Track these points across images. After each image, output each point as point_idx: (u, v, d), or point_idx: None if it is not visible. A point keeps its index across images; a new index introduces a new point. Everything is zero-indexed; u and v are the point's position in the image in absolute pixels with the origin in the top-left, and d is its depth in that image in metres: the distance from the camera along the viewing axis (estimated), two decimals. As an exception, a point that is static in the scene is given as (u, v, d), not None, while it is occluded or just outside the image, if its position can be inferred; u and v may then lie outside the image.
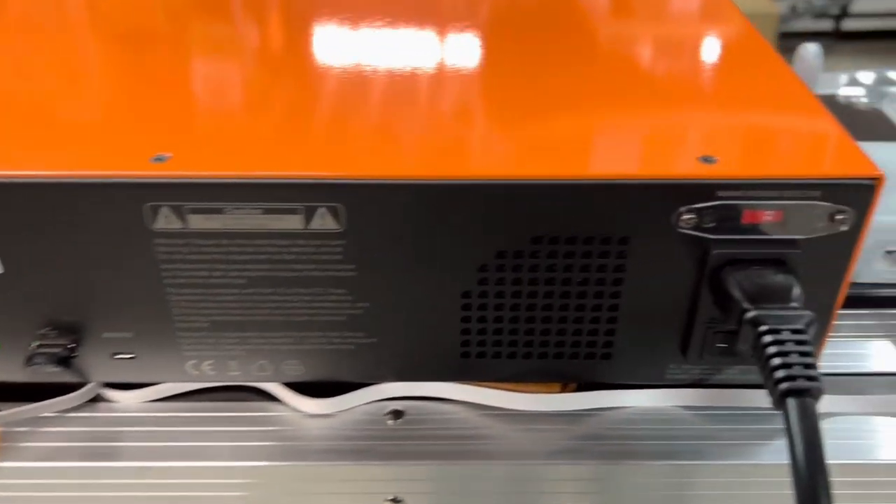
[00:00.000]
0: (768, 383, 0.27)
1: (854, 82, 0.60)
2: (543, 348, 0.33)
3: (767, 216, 0.30)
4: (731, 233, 0.30)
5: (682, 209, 0.29)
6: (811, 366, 0.27)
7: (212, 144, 0.30)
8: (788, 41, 2.40)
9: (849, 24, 2.41)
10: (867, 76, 0.61)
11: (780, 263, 0.30)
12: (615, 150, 0.30)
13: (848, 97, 0.59)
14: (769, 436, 0.33)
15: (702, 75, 0.36)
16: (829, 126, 0.32)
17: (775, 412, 0.27)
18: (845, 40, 2.43)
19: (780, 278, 0.30)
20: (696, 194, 0.29)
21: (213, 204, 0.29)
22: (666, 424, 0.34)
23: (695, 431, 0.34)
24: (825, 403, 0.34)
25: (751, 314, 0.28)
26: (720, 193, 0.29)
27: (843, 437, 0.34)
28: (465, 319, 0.32)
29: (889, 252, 0.39)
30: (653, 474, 0.32)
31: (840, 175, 0.29)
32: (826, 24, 2.41)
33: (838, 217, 0.30)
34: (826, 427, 0.34)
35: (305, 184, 0.28)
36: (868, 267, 0.39)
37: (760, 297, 0.29)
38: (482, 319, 0.32)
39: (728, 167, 0.29)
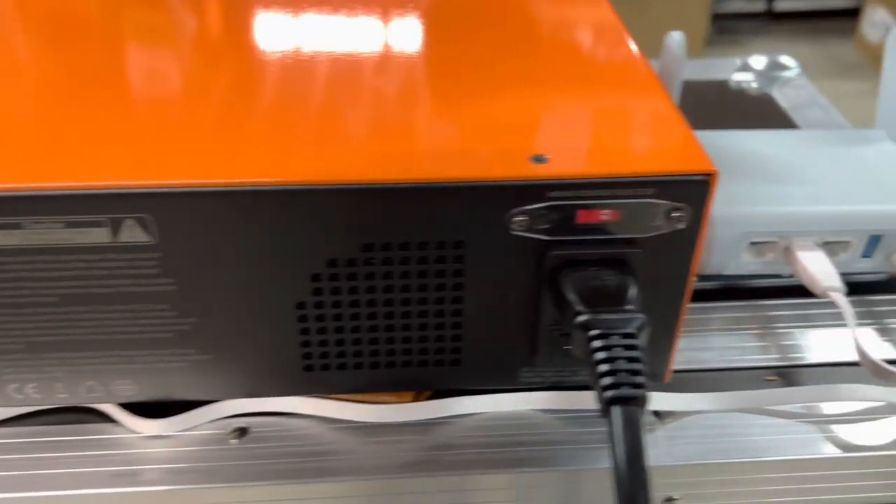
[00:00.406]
0: (596, 389, 0.26)
1: (746, 67, 0.60)
2: (390, 357, 0.32)
3: (603, 216, 0.29)
4: (567, 234, 0.29)
5: (515, 211, 0.28)
6: (638, 372, 0.26)
7: (8, 153, 0.28)
8: (721, 22, 2.43)
9: (782, 5, 2.43)
10: (759, 61, 0.60)
11: (620, 264, 0.29)
12: (445, 152, 0.29)
13: (739, 83, 0.59)
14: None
15: (546, 70, 0.35)
16: (670, 121, 0.31)
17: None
18: (779, 21, 2.46)
19: (614, 280, 0.29)
20: (527, 195, 0.28)
21: (11, 219, 0.27)
22: (519, 430, 0.33)
23: (548, 436, 0.33)
24: (687, 401, 0.34)
25: (581, 318, 0.27)
26: (551, 194, 0.28)
27: (700, 435, 0.33)
28: (304, 331, 0.31)
29: (754, 243, 0.38)
30: (502, 484, 0.31)
31: (673, 172, 0.28)
32: (759, 6, 2.44)
33: (674, 215, 0.29)
34: (684, 426, 0.33)
35: (108, 194, 0.26)
36: (735, 259, 0.39)
37: (594, 299, 0.28)
38: (322, 331, 0.31)
39: (559, 167, 0.28)
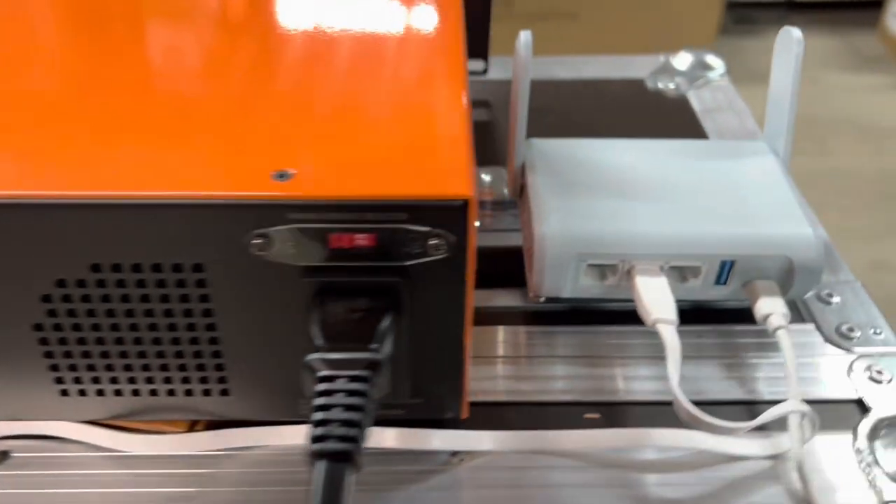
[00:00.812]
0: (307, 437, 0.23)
1: (667, 66, 0.56)
2: (151, 385, 0.29)
3: (357, 241, 0.26)
4: (319, 259, 0.26)
5: (255, 233, 0.25)
6: (354, 424, 0.23)
7: None
8: (739, 11, 2.36)
9: (802, -6, 2.35)
10: (684, 60, 0.57)
11: (379, 294, 0.26)
12: (183, 166, 0.26)
13: (656, 83, 0.55)
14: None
15: (337, 79, 0.31)
16: (449, 141, 0.27)
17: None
18: (799, 10, 2.38)
19: (361, 313, 0.26)
20: (267, 216, 0.25)
21: None
22: (292, 466, 0.30)
23: (326, 475, 0.30)
24: (473, 439, 0.31)
25: (308, 357, 0.25)
26: (291, 216, 0.25)
27: (491, 479, 0.30)
28: (48, 355, 0.28)
29: (592, 265, 0.35)
30: (259, 528, 0.29)
31: (425, 196, 0.25)
32: (778, -5, 2.36)
33: (432, 242, 0.26)
34: (480, 466, 0.30)
35: None
36: (574, 282, 0.35)
37: (334, 334, 0.25)
38: (67, 354, 0.28)
39: (302, 186, 0.25)
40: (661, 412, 0.33)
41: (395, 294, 0.27)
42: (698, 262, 0.35)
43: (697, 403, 0.33)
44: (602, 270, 0.35)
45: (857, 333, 0.36)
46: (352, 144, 0.27)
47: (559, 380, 0.34)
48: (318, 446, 0.23)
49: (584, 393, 0.34)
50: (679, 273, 0.35)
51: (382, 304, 0.26)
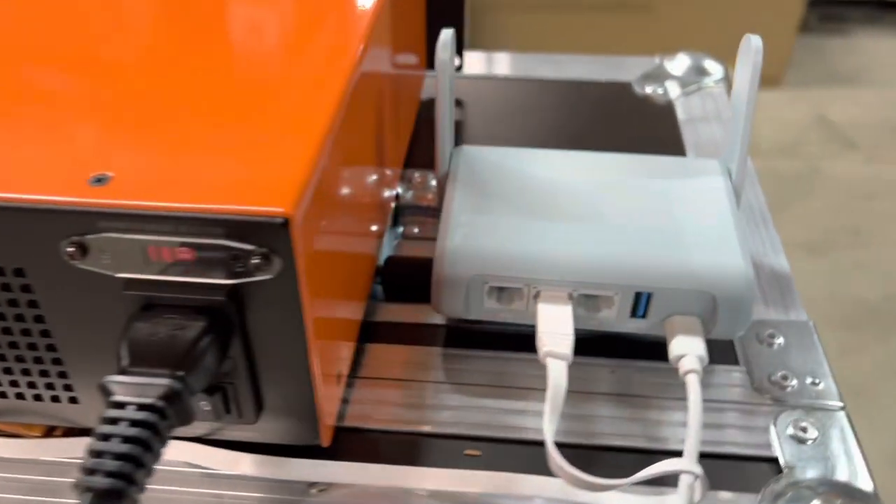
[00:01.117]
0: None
1: (660, 70, 0.52)
2: (-2, 387, 0.28)
3: (180, 255, 0.24)
4: (142, 271, 0.24)
5: (70, 240, 0.24)
6: (131, 459, 0.21)
7: None
8: (825, 8, 2.23)
9: (897, -8, 2.21)
10: (680, 63, 0.52)
11: (203, 314, 0.25)
12: (2, 168, 0.25)
13: (644, 88, 0.51)
14: None
15: (203, 81, 0.29)
16: (291, 152, 0.25)
17: None
18: (891, 10, 2.24)
19: (172, 333, 0.24)
20: (78, 223, 0.24)
21: None
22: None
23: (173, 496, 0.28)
24: (328, 471, 0.29)
25: (105, 379, 0.23)
26: (102, 224, 0.23)
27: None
28: None
29: (495, 288, 0.32)
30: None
31: (243, 211, 0.23)
32: (871, -8, 2.22)
33: (255, 261, 0.24)
34: (335, 499, 0.28)
35: None
36: (478, 304, 0.33)
37: (140, 356, 0.24)
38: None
39: (116, 192, 0.23)
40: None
41: (219, 314, 0.25)
42: (610, 292, 0.32)
43: (589, 447, 0.30)
44: (508, 294, 0.33)
45: (793, 382, 0.32)
46: (184, 150, 0.25)
47: (447, 409, 0.32)
48: (85, 479, 0.21)
49: (471, 426, 0.31)
50: (592, 302, 0.32)
51: (202, 325, 0.24)
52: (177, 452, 0.29)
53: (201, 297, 0.24)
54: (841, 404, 0.31)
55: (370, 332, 0.35)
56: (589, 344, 0.34)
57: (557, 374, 0.29)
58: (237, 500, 0.29)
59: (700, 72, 0.52)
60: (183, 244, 0.24)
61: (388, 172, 0.38)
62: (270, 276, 0.24)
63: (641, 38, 1.89)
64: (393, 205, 0.41)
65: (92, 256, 0.24)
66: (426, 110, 0.50)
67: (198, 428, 0.29)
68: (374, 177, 0.35)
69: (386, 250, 0.39)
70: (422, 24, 0.48)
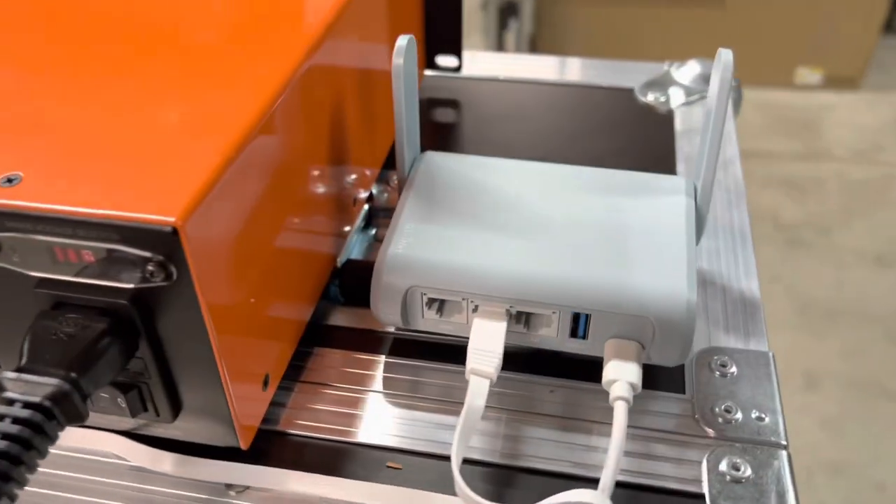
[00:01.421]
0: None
1: (665, 77, 0.51)
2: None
3: (83, 256, 0.24)
4: (51, 271, 0.25)
5: (-20, 238, 0.25)
6: (8, 457, 0.22)
7: None
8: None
9: None
10: (689, 71, 0.51)
11: (107, 315, 0.25)
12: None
13: (647, 95, 0.50)
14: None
15: (104, 71, 0.29)
16: (195, 154, 0.25)
17: None
18: None
19: (66, 336, 0.24)
20: (-12, 222, 0.24)
21: None
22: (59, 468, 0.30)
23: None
24: (242, 473, 0.29)
25: (1, 375, 0.24)
26: (9, 224, 0.24)
27: (253, 520, 0.28)
28: None
29: (433, 300, 0.32)
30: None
31: (135, 218, 0.23)
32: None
33: (150, 268, 0.24)
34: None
35: None
36: (418, 316, 0.32)
37: (36, 355, 0.24)
38: None
39: (21, 193, 0.24)
40: (468, 473, 0.29)
41: (122, 317, 0.25)
42: (547, 311, 0.31)
43: (511, 468, 0.30)
44: (449, 306, 0.32)
45: (737, 415, 0.31)
46: (95, 153, 0.25)
47: (379, 420, 0.31)
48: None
49: (398, 439, 0.31)
50: (531, 320, 0.32)
51: (103, 328, 0.25)
52: (106, 445, 0.30)
53: (106, 299, 0.25)
54: (784, 443, 0.30)
55: (321, 335, 0.35)
56: (533, 360, 0.33)
57: (476, 392, 0.29)
58: (159, 495, 0.29)
59: (708, 80, 0.50)
60: (84, 247, 0.24)
61: (354, 173, 0.38)
62: (168, 284, 0.24)
63: (712, 34, 1.84)
64: (366, 206, 0.41)
65: (4, 254, 0.25)
66: (426, 111, 0.50)
67: (128, 423, 0.30)
68: (327, 177, 0.34)
69: (356, 252, 0.39)
70: (416, 21, 0.47)
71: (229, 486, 0.29)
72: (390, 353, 0.34)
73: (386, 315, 0.32)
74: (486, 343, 0.30)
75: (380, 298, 0.32)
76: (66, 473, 0.30)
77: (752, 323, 0.35)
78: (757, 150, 1.73)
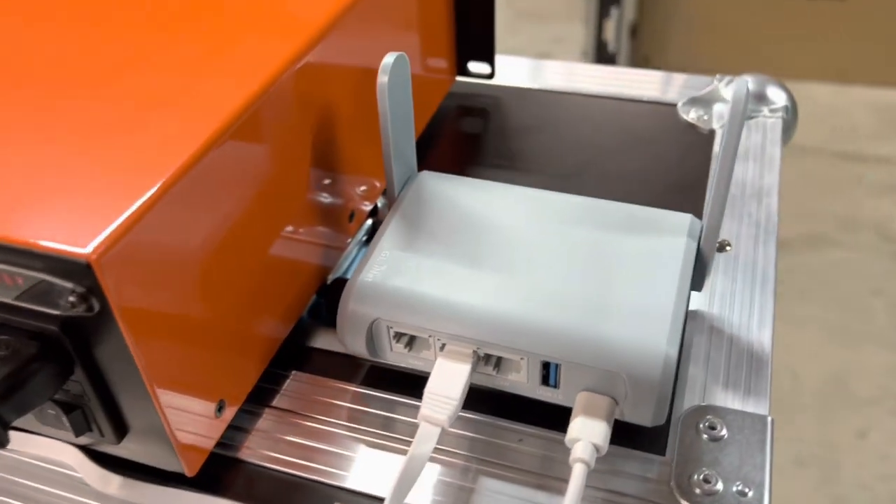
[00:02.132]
0: None
1: (712, 94, 0.47)
2: None
3: (16, 281, 0.24)
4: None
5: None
6: None
7: None
8: None
9: None
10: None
11: (39, 339, 0.25)
12: None
13: (689, 113, 0.46)
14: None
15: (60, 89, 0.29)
16: (125, 181, 0.24)
17: None
18: None
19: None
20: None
21: None
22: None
23: None
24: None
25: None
26: (-59, 245, 0.24)
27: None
28: None
29: (400, 334, 0.30)
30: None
31: (54, 249, 0.23)
32: None
33: (72, 298, 0.23)
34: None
35: None
36: (385, 349, 0.31)
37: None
38: None
39: (-45, 215, 0.24)
40: (413, 523, 0.28)
41: (54, 343, 0.25)
42: (514, 356, 0.29)
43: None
44: (418, 341, 0.31)
45: (717, 486, 0.28)
46: (31, 178, 0.25)
47: (337, 456, 0.30)
48: None
49: (350, 479, 0.29)
50: (500, 363, 0.30)
51: (31, 353, 0.24)
52: (65, 457, 0.30)
53: (38, 324, 0.25)
54: (765, 525, 0.27)
55: (301, 358, 0.34)
56: (505, 402, 0.31)
57: (423, 440, 0.27)
58: (107, 513, 0.29)
59: (760, 99, 0.46)
60: (15, 273, 0.24)
61: (349, 185, 0.36)
62: (92, 314, 0.24)
63: (827, 26, 1.73)
64: (369, 220, 0.40)
65: (-48, 276, 0.25)
66: (454, 119, 0.48)
67: (85, 439, 0.29)
68: (307, 190, 0.33)
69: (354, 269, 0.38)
70: (446, 26, 0.45)
71: (173, 511, 0.29)
72: (367, 384, 0.33)
73: (351, 345, 0.31)
74: (445, 387, 0.28)
75: (345, 328, 0.31)
76: (25, 482, 0.30)
77: (756, 380, 0.31)
78: (867, 154, 1.62)
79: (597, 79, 0.50)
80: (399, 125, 0.33)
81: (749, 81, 0.46)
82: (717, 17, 1.79)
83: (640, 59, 1.88)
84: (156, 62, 0.30)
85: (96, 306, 0.23)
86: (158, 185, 0.24)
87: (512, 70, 0.51)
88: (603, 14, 1.75)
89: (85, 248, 0.22)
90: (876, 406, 1.17)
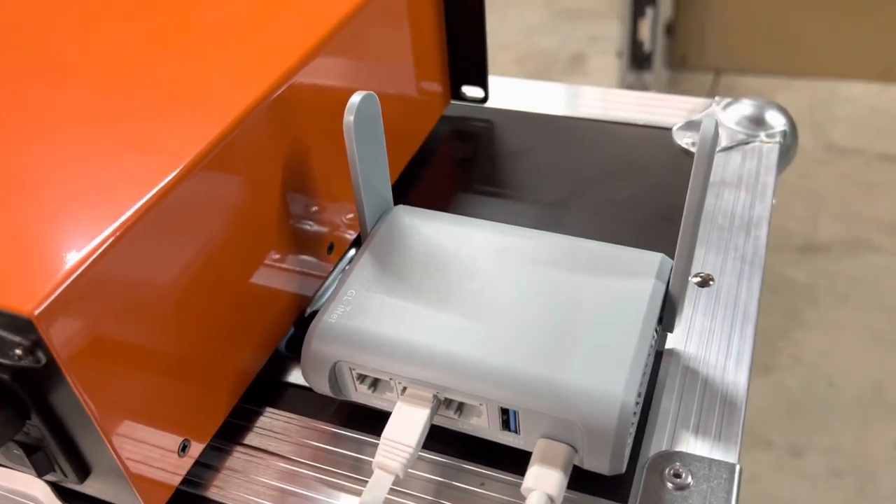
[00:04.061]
0: None
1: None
2: None
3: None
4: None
5: None
6: None
7: None
8: None
9: None
10: (737, 111, 0.46)
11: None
12: None
13: (683, 138, 0.45)
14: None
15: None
16: (73, 230, 0.25)
17: None
18: None
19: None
20: None
21: None
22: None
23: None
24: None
25: None
26: None
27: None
28: None
29: (363, 376, 0.30)
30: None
31: (-2, 302, 0.23)
32: None
33: (18, 351, 0.24)
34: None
35: None
36: (349, 389, 0.31)
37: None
38: None
39: None
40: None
41: (5, 391, 0.25)
42: (473, 402, 0.29)
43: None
44: (381, 383, 0.30)
45: (677, 539, 0.27)
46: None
47: (306, 499, 0.30)
48: None
49: (309, 517, 0.30)
50: (461, 408, 0.29)
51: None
52: (35, 491, 0.31)
53: (-7, 372, 0.25)
54: (722, 581, 0.26)
55: (275, 393, 0.35)
56: (471, 444, 0.31)
57: (375, 486, 0.27)
58: (75, 549, 0.30)
59: (758, 123, 0.45)
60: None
61: (327, 217, 0.36)
62: (39, 366, 0.24)
63: (872, 30, 1.68)
64: (353, 250, 0.40)
65: None
66: (446, 142, 0.48)
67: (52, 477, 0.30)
68: (277, 224, 0.33)
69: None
70: (436, 52, 0.45)
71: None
72: (339, 423, 0.33)
73: (316, 384, 0.31)
74: (402, 434, 0.28)
75: (308, 367, 0.31)
76: (-1, 516, 0.31)
77: (727, 426, 0.31)
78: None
79: (593, 101, 0.49)
80: (368, 162, 0.33)
81: (748, 104, 0.45)
82: (754, 16, 1.75)
83: (676, 59, 1.86)
84: (121, 96, 0.31)
85: (43, 359, 0.24)
86: (111, 229, 0.25)
87: (507, 92, 0.51)
88: (638, 13, 1.73)
89: (27, 305, 0.23)
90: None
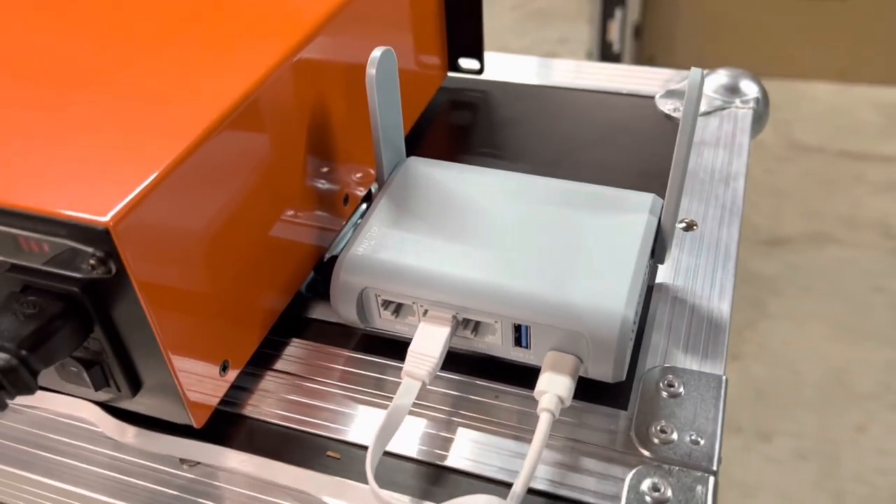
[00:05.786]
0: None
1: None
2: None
3: (43, 247, 0.27)
4: (20, 258, 0.28)
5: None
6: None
7: None
8: None
9: None
10: (713, 81, 0.50)
11: (62, 300, 0.28)
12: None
13: (666, 105, 0.49)
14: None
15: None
16: (141, 155, 0.28)
17: None
18: None
19: (23, 315, 0.27)
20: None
21: None
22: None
23: None
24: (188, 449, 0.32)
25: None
26: (-27, 214, 0.27)
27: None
28: None
29: (388, 302, 0.33)
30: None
31: (73, 217, 0.26)
32: None
33: (92, 261, 0.26)
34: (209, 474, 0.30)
35: None
36: (374, 315, 0.34)
37: (-1, 331, 0.27)
38: None
39: (-13, 189, 0.27)
40: (397, 467, 0.31)
41: (75, 303, 0.28)
42: (489, 320, 0.32)
43: (434, 466, 0.31)
44: (404, 308, 0.34)
45: (673, 436, 0.31)
46: (55, 151, 0.28)
47: (328, 412, 0.33)
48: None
49: (341, 432, 0.33)
50: (478, 327, 0.33)
51: (55, 312, 0.28)
52: (83, 412, 0.33)
53: (62, 286, 0.28)
54: (714, 468, 0.30)
55: (300, 327, 0.37)
56: (484, 365, 0.34)
57: (404, 393, 0.30)
58: (124, 462, 0.32)
59: (733, 91, 0.49)
60: (41, 240, 0.27)
61: (343, 171, 0.39)
62: (110, 276, 0.27)
63: (829, 25, 1.75)
64: (363, 204, 0.43)
65: (-16, 243, 0.28)
66: (445, 112, 0.51)
67: (103, 395, 0.33)
68: (305, 174, 0.36)
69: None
70: (436, 24, 0.48)
71: (182, 461, 0.32)
72: (360, 349, 0.36)
73: (344, 313, 0.34)
74: (427, 347, 0.31)
75: (337, 297, 0.34)
76: (50, 435, 0.33)
77: (713, 345, 0.34)
78: (872, 153, 1.64)
79: (583, 73, 0.53)
80: (387, 114, 0.36)
81: (724, 74, 0.49)
82: (720, 18, 1.81)
83: (644, 60, 1.91)
84: (161, 58, 0.33)
85: (114, 269, 0.26)
86: (169, 162, 0.28)
87: (501, 65, 0.54)
88: (607, 15, 1.78)
89: (104, 216, 0.25)
90: (875, 401, 1.19)
